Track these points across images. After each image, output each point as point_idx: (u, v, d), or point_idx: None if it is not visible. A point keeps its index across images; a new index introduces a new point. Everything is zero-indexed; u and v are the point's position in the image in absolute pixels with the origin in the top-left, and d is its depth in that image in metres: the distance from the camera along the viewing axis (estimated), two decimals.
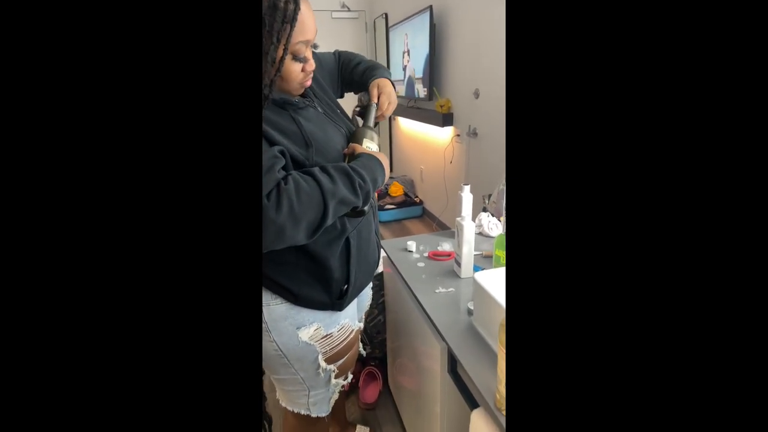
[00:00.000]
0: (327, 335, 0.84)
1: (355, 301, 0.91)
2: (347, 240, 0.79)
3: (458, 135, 2.55)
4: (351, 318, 0.90)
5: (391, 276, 1.18)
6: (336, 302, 0.82)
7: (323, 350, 0.84)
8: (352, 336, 0.90)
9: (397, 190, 3.39)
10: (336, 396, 0.95)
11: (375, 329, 1.50)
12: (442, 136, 2.80)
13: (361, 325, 1.04)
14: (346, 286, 0.82)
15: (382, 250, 1.19)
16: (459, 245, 1.02)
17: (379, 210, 0.91)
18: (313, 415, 0.92)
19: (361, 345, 1.02)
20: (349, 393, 1.49)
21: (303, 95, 0.79)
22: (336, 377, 0.90)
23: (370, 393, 1.50)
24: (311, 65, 0.70)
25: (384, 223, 3.20)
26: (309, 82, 0.73)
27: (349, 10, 3.75)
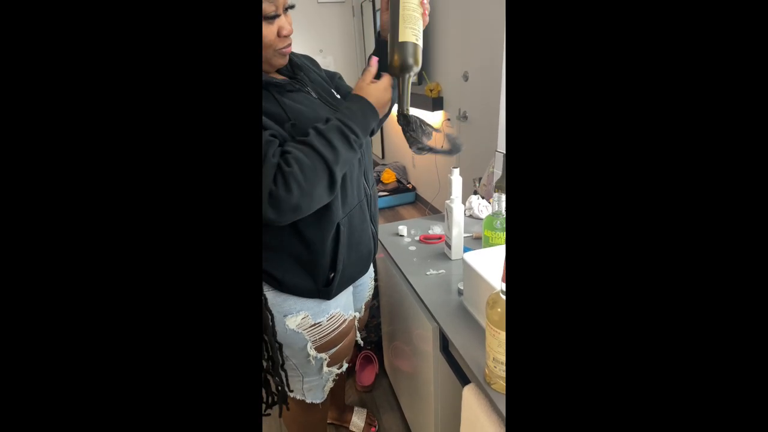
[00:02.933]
0: (315, 324, 0.83)
1: (349, 291, 0.91)
2: (338, 227, 0.77)
3: (448, 119, 2.54)
4: (343, 307, 0.88)
5: (384, 261, 1.19)
6: (323, 290, 0.80)
7: (312, 339, 0.83)
8: (344, 325, 0.89)
9: (389, 177, 3.39)
10: (331, 384, 0.94)
11: (370, 314, 1.51)
12: (432, 120, 2.79)
13: (359, 314, 1.03)
14: (332, 274, 0.80)
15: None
16: (449, 227, 1.03)
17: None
18: (308, 401, 0.93)
19: (358, 334, 1.00)
20: (346, 376, 1.52)
21: (293, 78, 0.77)
22: (329, 365, 0.90)
23: (367, 376, 1.53)
24: (287, 29, 0.68)
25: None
26: (289, 50, 0.71)
27: None
